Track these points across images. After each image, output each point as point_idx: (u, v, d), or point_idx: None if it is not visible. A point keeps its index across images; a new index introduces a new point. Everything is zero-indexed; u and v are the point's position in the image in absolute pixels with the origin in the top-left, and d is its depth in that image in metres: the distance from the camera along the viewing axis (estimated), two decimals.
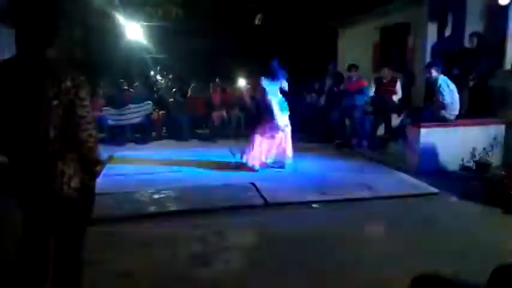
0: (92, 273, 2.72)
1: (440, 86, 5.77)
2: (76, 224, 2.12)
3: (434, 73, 5.85)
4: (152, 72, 13.16)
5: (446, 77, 5.89)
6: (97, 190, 2.19)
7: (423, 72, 6.08)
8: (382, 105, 7.58)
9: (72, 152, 1.98)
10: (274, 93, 5.78)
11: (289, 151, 5.97)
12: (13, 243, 2.14)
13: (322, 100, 8.54)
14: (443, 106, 5.77)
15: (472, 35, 6.81)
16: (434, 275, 1.67)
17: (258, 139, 5.85)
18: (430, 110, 6.10)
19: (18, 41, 1.96)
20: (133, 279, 2.85)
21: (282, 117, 5.78)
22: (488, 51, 6.61)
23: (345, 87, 8.16)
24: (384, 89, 7.70)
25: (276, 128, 5.77)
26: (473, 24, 7.41)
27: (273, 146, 5.90)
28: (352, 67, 8.04)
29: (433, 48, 7.94)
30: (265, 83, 5.75)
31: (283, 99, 5.90)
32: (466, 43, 7.19)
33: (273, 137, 5.85)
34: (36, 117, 1.88)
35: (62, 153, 1.96)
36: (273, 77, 5.77)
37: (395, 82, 7.65)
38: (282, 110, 5.79)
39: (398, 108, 7.60)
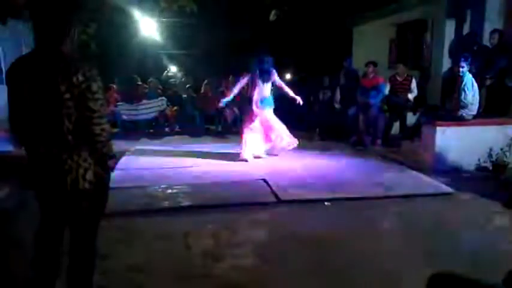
0: (104, 266, 2.76)
1: (465, 84, 5.64)
2: (90, 217, 2.14)
3: (465, 69, 5.67)
4: (167, 68, 13.21)
5: (471, 76, 5.75)
6: (110, 184, 2.20)
7: (460, 66, 5.76)
8: (397, 103, 7.49)
9: (87, 145, 1.99)
10: (264, 90, 6.17)
11: (279, 140, 6.33)
12: (32, 235, 2.17)
13: (337, 97, 8.48)
14: (463, 105, 5.66)
15: (494, 32, 6.67)
16: (450, 274, 1.64)
17: (246, 134, 6.27)
18: (447, 109, 6.00)
19: (35, 36, 1.98)
20: (145, 273, 2.87)
21: (263, 111, 6.21)
22: (507, 51, 6.47)
23: (361, 83, 8.08)
24: (399, 87, 7.61)
25: (253, 116, 6.22)
26: (492, 21, 7.27)
27: (259, 138, 6.34)
28: (370, 64, 7.94)
29: (450, 45, 7.81)
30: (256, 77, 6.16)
31: (271, 97, 6.31)
32: (484, 41, 7.06)
33: (252, 129, 6.25)
34: (50, 111, 1.90)
35: (76, 147, 1.97)
36: (265, 75, 6.11)
37: (410, 80, 7.55)
38: (265, 105, 6.21)
39: (413, 107, 7.50)
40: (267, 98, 6.26)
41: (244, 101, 6.46)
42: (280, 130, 6.34)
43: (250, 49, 8.09)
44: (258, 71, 6.15)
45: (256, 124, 6.28)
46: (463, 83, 5.63)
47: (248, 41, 12.89)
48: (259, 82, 6.14)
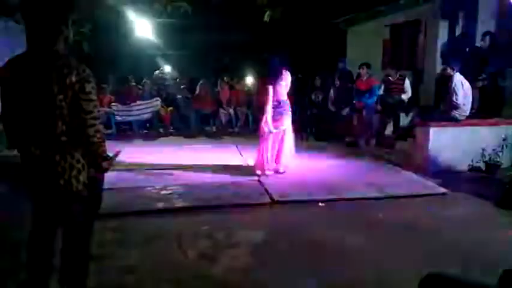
0: (98, 267, 2.74)
1: (455, 85, 5.69)
2: (84, 218, 2.13)
3: (450, 71, 5.74)
4: (161, 69, 13.19)
5: (462, 76, 5.79)
6: (105, 185, 2.20)
7: (446, 70, 5.83)
8: (390, 104, 7.53)
9: (80, 146, 1.98)
10: (280, 93, 5.37)
11: (286, 155, 5.57)
12: (24, 236, 2.16)
13: (331, 98, 8.51)
14: (455, 106, 5.70)
15: (485, 34, 6.73)
16: (443, 275, 1.65)
17: (262, 143, 5.50)
18: (440, 110, 6.04)
19: (28, 36, 1.97)
20: (140, 275, 2.86)
21: (280, 120, 5.39)
22: (499, 52, 6.53)
23: (355, 85, 8.11)
24: (392, 87, 7.64)
25: (268, 129, 5.35)
26: (485, 24, 7.33)
27: (272, 149, 5.51)
28: (363, 65, 7.98)
29: (443, 47, 7.87)
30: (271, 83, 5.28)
31: (287, 100, 5.47)
32: (477, 42, 7.12)
33: (267, 138, 5.43)
34: (43, 112, 1.89)
35: (70, 148, 1.96)
36: (276, 76, 5.34)
37: (403, 80, 7.59)
38: (283, 111, 5.40)
39: (406, 107, 7.54)
40: (284, 102, 5.42)
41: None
42: (289, 150, 5.60)
43: (244, 50, 8.06)
44: (269, 71, 5.39)
45: (271, 135, 5.40)
46: (453, 84, 5.68)
47: (242, 42, 12.92)
48: (273, 83, 5.29)
